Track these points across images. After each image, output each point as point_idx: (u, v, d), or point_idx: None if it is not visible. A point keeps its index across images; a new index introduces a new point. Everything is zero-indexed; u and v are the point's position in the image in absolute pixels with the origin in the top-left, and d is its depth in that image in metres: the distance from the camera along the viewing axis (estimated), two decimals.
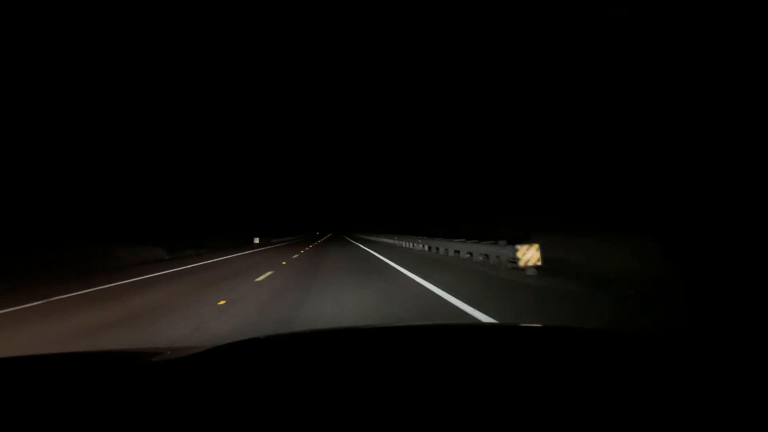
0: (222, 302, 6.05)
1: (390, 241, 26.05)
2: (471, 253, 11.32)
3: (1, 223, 17.04)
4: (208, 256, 20.04)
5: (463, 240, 12.38)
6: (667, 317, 4.08)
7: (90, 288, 8.73)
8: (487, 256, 10.01)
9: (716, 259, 5.50)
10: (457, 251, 12.73)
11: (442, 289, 6.19)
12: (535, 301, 5.18)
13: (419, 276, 8.15)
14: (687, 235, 9.21)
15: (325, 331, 1.84)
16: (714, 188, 10.14)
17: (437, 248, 14.92)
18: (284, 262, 13.66)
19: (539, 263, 7.91)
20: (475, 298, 5.27)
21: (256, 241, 38.71)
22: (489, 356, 1.00)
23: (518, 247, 8.05)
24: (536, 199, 17.33)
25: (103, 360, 1.23)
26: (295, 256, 17.08)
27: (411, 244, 19.55)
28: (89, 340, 4.09)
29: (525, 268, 7.82)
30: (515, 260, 8.05)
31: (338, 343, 1.26)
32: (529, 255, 7.92)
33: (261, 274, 9.87)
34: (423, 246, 17.17)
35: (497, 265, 9.08)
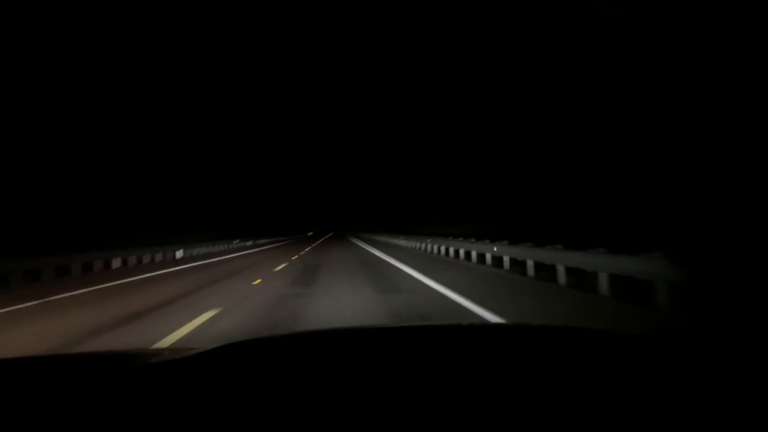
0: None
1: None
2: None
3: None
4: None
5: None
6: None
7: None
8: None
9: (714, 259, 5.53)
10: None
11: None
12: None
13: None
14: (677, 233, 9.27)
15: (326, 331, 1.80)
16: (712, 188, 10.20)
17: None
18: None
19: None
20: None
21: None
22: (490, 357, 1.00)
23: None
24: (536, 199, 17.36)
25: (102, 361, 1.22)
26: None
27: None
28: None
29: None
30: None
31: (339, 343, 1.25)
32: None
33: None
34: None
35: None
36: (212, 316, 5.30)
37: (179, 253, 19.00)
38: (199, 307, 5.92)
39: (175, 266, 14.38)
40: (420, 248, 18.74)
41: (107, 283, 9.68)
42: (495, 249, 10.17)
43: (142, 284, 9.65)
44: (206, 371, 0.94)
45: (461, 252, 13.19)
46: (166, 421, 0.66)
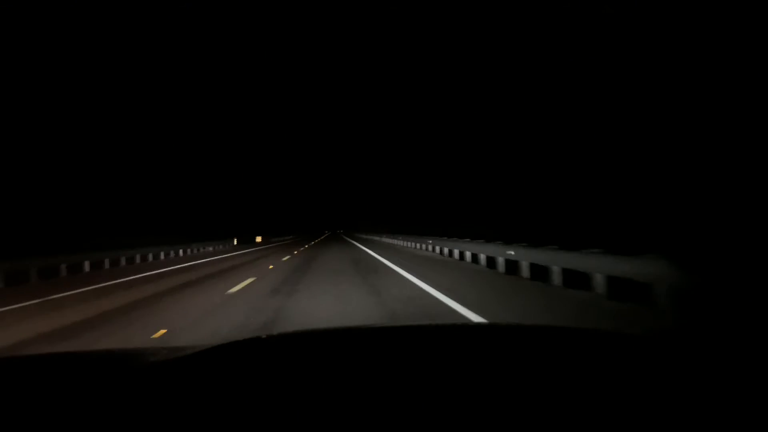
0: None
1: None
2: None
3: None
4: None
5: None
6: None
7: None
8: None
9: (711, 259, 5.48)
10: None
11: None
12: None
13: None
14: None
15: (326, 330, 1.85)
16: (711, 189, 10.12)
17: None
18: None
19: None
20: None
21: None
22: (489, 357, 1.00)
23: None
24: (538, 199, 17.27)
25: (101, 360, 1.22)
26: None
27: None
28: None
29: None
30: None
31: (339, 342, 1.27)
32: None
33: None
34: None
35: None
36: None
37: None
38: None
39: None
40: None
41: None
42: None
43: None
44: (205, 370, 0.94)
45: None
46: (165, 420, 0.66)
